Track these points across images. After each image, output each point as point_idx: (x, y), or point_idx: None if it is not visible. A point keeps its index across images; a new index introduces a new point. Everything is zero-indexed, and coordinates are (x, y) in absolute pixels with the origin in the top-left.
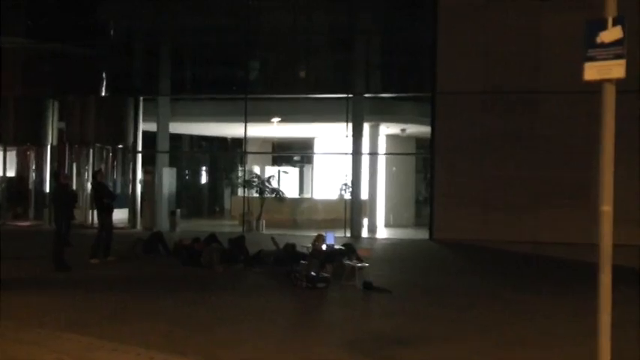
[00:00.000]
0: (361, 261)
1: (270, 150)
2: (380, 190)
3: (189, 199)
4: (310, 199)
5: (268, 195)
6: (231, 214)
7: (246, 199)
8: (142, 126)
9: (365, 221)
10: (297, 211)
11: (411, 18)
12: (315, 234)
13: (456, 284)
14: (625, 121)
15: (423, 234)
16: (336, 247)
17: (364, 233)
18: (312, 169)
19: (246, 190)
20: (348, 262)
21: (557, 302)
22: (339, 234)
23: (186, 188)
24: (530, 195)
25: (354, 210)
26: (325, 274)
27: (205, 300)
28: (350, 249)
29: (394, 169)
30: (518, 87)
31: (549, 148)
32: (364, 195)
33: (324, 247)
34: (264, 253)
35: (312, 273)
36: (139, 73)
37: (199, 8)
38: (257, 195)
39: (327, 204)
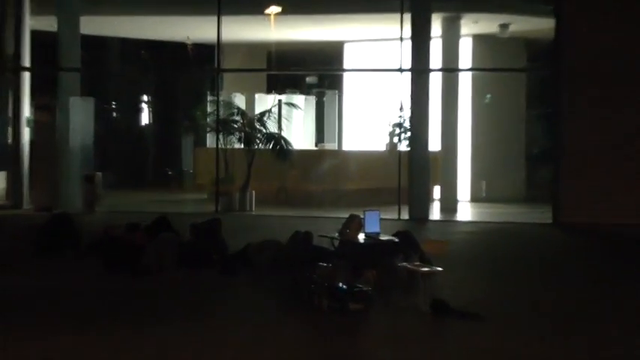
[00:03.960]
0: (429, 263)
1: (263, 66)
2: (463, 139)
3: (120, 156)
4: (336, 154)
5: (261, 146)
6: (195, 180)
7: (221, 155)
8: (30, 23)
9: (435, 193)
10: (312, 176)
11: None
12: (346, 215)
13: (613, 306)
14: None
15: (541, 215)
16: (384, 237)
17: (433, 213)
18: (340, 99)
19: (221, 137)
20: (404, 264)
21: None
22: (389, 214)
23: (114, 136)
24: None
25: (414, 174)
26: (363, 287)
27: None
28: (408, 241)
29: (487, 99)
30: None
31: None
32: (433, 147)
33: (360, 237)
34: (254, 248)
35: (340, 284)
36: None
37: None
38: (241, 146)
39: (367, 162)
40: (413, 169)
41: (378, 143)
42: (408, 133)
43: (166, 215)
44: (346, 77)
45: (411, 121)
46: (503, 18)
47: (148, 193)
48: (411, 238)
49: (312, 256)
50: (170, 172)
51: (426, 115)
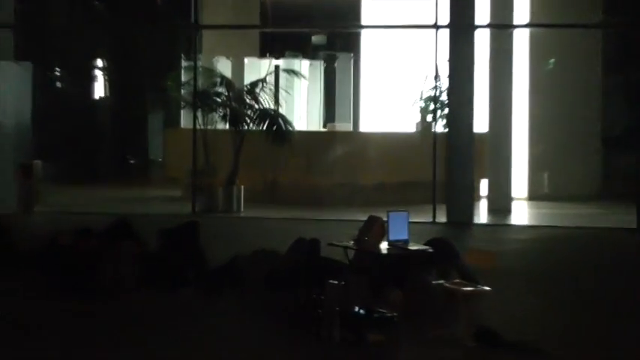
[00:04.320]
0: (473, 280)
1: (255, 22)
2: (518, 118)
3: (66, 140)
4: (351, 137)
5: (252, 127)
6: (165, 172)
7: (200, 138)
8: None
9: (482, 189)
10: (319, 166)
11: None
12: (364, 218)
13: None
14: None
15: (623, 218)
16: (413, 246)
17: (479, 215)
18: (356, 65)
19: (200, 115)
20: (441, 282)
21: None
22: (421, 217)
23: (59, 113)
24: None
25: (454, 163)
26: (386, 312)
27: None
28: (446, 252)
29: (550, 65)
30: None
31: None
32: (479, 128)
33: (383, 247)
34: (243, 260)
35: (357, 308)
36: None
37: None
38: (226, 127)
39: (391, 148)
40: (452, 158)
41: (405, 123)
42: (446, 110)
43: (127, 218)
44: (364, 36)
45: (449, 94)
46: None
47: (103, 189)
48: (449, 247)
49: (320, 271)
50: (132, 161)
51: (470, 86)
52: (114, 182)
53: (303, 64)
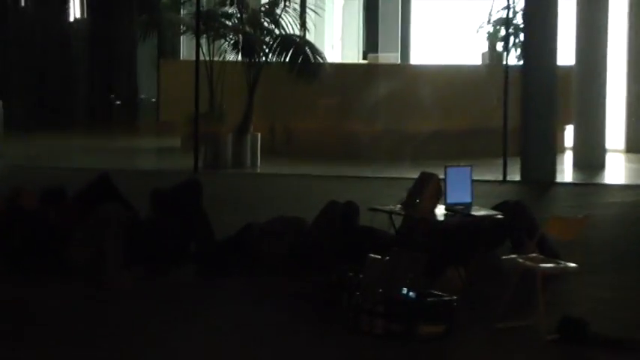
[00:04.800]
0: (555, 256)
1: None
2: (615, 48)
3: (28, 73)
4: (398, 71)
5: (271, 58)
6: (159, 115)
7: (204, 72)
8: None
9: (567, 138)
10: (358, 108)
11: None
12: (414, 176)
13: None
14: None
15: None
16: (478, 212)
17: (563, 172)
18: None
19: (204, 42)
20: (513, 257)
21: None
22: (488, 173)
23: (17, 37)
24: None
25: (531, 105)
26: (444, 296)
27: None
28: (520, 219)
29: None
30: None
31: None
32: (564, 60)
33: (439, 212)
34: (259, 230)
35: (405, 291)
36: None
37: None
38: (237, 58)
39: (450, 85)
40: (529, 98)
41: (468, 54)
42: (522, 36)
43: (111, 174)
44: None
45: (525, 17)
46: None
47: (80, 137)
48: (524, 213)
49: (358, 243)
50: (118, 102)
51: (553, 6)
52: (94, 129)
53: None
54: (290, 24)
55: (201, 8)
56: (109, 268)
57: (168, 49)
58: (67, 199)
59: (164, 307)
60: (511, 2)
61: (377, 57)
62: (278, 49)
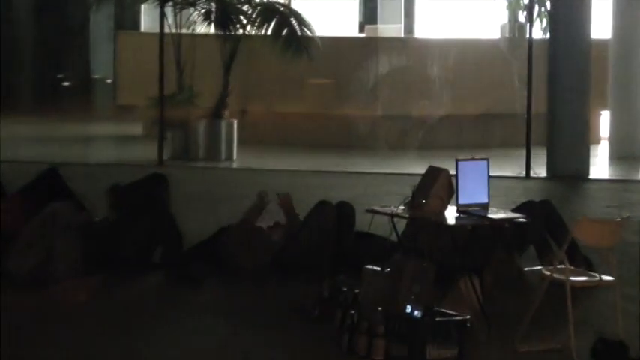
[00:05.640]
0: (588, 266)
1: None
2: None
3: None
4: (402, 45)
5: (250, 29)
6: (116, 98)
7: (170, 47)
8: None
9: (602, 127)
10: (353, 88)
11: None
12: (420, 171)
13: None
14: None
15: None
16: (496, 214)
17: (597, 166)
18: None
19: (170, 11)
20: (539, 268)
21: None
22: (508, 168)
23: None
24: None
25: (558, 88)
26: (455, 314)
27: None
28: (547, 222)
29: None
30: None
31: None
32: (598, 33)
33: (449, 213)
34: (233, 234)
35: (409, 308)
36: None
37: None
38: (210, 30)
39: (463, 62)
40: (556, 78)
41: (485, 25)
42: (548, 5)
43: (57, 169)
44: None
45: None
46: None
47: (22, 123)
48: (551, 215)
49: (353, 251)
50: (67, 83)
51: None
52: (38, 114)
53: None
54: None
55: None
56: (59, 277)
57: (126, 20)
58: (7, 197)
59: (124, 324)
60: None
61: (376, 29)
62: (258, 19)
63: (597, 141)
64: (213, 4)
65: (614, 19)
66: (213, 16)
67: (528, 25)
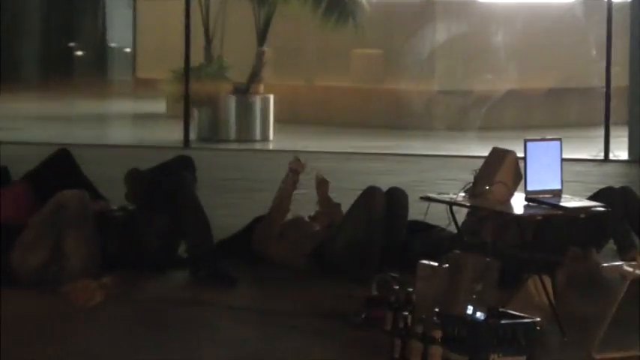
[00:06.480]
0: None
1: None
2: None
3: None
4: (462, 8)
5: None
6: (137, 70)
7: (198, 12)
8: None
9: None
10: (406, 60)
11: None
12: (482, 153)
13: None
14: None
15: None
16: (570, 202)
17: None
18: None
19: None
20: (619, 264)
21: None
22: (583, 150)
23: None
24: None
25: None
26: (525, 317)
27: None
28: (629, 211)
29: None
30: None
31: None
32: None
33: (516, 201)
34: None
35: (471, 309)
36: None
37: None
38: None
39: (531, 28)
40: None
41: None
42: None
43: (69, 151)
44: None
45: None
46: None
47: (28, 99)
48: (633, 204)
49: (406, 244)
50: (80, 52)
51: None
52: (48, 89)
53: None
54: None
55: None
56: (71, 275)
57: None
58: (13, 183)
59: (145, 330)
60: None
61: None
62: None
63: None
64: None
65: None
66: None
67: None
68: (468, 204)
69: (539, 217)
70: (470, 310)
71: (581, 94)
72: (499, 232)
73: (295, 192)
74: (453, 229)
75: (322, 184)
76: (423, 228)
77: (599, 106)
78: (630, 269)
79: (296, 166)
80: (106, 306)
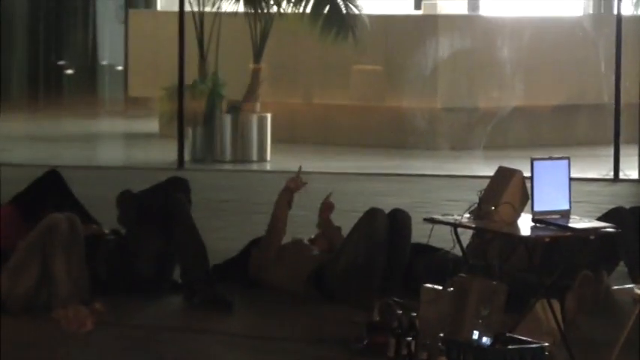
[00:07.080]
0: None
1: None
2: None
3: None
4: (466, 24)
5: (286, 6)
6: (128, 88)
7: (191, 26)
8: None
9: None
10: (408, 75)
11: None
12: (487, 173)
13: None
14: None
15: None
16: (579, 223)
17: None
18: None
19: None
20: (630, 287)
21: None
22: (592, 169)
23: None
24: None
25: None
26: (534, 342)
27: None
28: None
29: None
30: None
31: None
32: None
33: (523, 222)
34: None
35: (477, 334)
36: None
37: None
38: (237, 8)
39: (538, 44)
40: None
41: (563, 1)
42: None
43: (59, 172)
44: None
45: None
46: None
47: (15, 119)
48: None
49: (409, 266)
50: (70, 71)
51: None
52: (37, 107)
53: None
54: None
55: None
56: (61, 300)
57: None
58: (1, 206)
59: (138, 355)
60: None
61: (435, 5)
62: None
63: None
64: None
65: None
66: None
67: None
68: (474, 226)
69: (547, 239)
70: (476, 335)
71: (591, 111)
72: (506, 255)
73: (294, 214)
74: (457, 251)
75: (328, 207)
76: (426, 250)
77: (609, 123)
78: None
79: (293, 184)
80: (97, 332)
